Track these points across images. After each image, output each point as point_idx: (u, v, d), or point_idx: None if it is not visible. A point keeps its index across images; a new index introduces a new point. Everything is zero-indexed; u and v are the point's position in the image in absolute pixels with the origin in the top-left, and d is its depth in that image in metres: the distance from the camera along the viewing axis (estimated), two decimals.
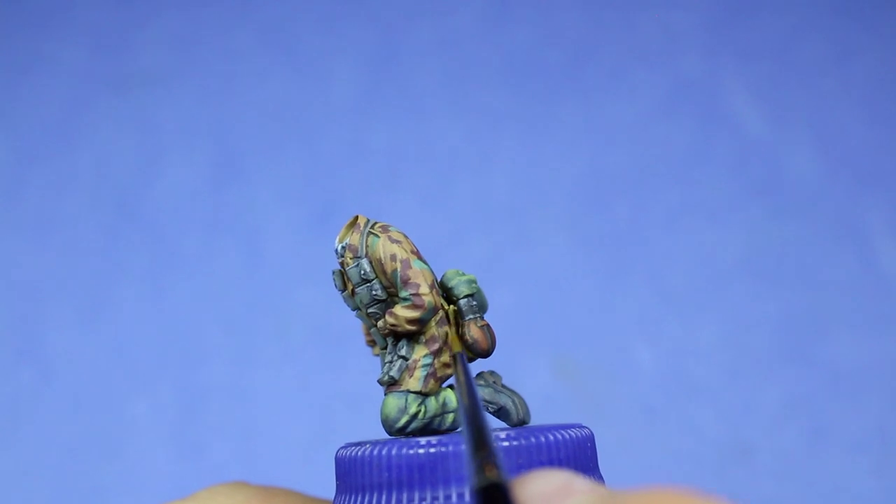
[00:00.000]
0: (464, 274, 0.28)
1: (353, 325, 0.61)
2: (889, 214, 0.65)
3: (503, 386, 0.29)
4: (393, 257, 0.27)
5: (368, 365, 0.52)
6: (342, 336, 0.64)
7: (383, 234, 0.27)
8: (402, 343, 0.27)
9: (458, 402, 0.27)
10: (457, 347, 0.27)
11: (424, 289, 0.27)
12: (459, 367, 0.25)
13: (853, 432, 0.61)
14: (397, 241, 0.27)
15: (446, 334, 0.28)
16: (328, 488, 0.34)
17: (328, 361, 0.64)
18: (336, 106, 0.69)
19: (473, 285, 0.28)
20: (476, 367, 0.29)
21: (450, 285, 0.28)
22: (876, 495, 0.60)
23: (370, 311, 0.28)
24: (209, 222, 0.67)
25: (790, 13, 0.69)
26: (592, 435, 0.27)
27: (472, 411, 0.21)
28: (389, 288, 0.27)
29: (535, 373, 0.63)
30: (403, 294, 0.27)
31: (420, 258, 0.27)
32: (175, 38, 0.70)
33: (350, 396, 0.63)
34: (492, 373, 0.29)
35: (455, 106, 0.69)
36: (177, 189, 0.68)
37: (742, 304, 0.64)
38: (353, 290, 0.28)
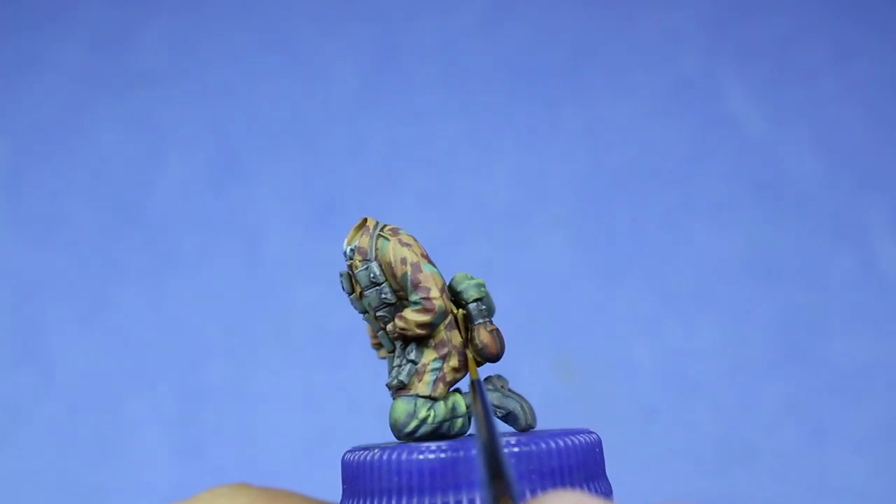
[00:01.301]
0: (472, 277, 0.28)
1: (354, 325, 0.62)
2: (889, 214, 0.65)
3: (510, 390, 0.28)
4: (403, 261, 0.27)
5: (369, 366, 0.52)
6: (342, 336, 0.64)
7: (393, 238, 0.27)
8: (411, 347, 0.27)
9: (474, 429, 0.27)
10: (475, 374, 0.27)
11: (435, 293, 0.27)
12: (477, 396, 0.25)
13: (853, 432, 0.61)
14: (407, 245, 0.27)
15: (461, 344, 0.28)
16: (329, 489, 0.34)
17: (328, 361, 0.64)
18: (336, 106, 0.69)
19: (482, 289, 0.28)
20: (483, 371, 0.29)
21: (458, 289, 0.28)
22: (876, 495, 0.60)
23: (379, 314, 0.28)
24: (209, 222, 0.67)
25: (790, 13, 0.69)
26: (600, 440, 0.27)
27: (489, 441, 0.21)
28: (399, 291, 0.27)
29: (534, 373, 0.63)
30: (414, 298, 0.27)
31: (430, 262, 0.27)
32: (175, 38, 0.70)
33: (350, 396, 0.63)
34: (499, 377, 0.29)
35: (455, 106, 0.69)
36: (177, 189, 0.68)
37: (742, 304, 0.64)
38: (361, 293, 0.28)
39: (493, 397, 0.28)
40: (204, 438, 0.63)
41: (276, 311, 0.65)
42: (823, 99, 0.68)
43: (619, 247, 0.65)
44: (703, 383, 0.63)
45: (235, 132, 0.69)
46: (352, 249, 0.28)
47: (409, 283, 0.27)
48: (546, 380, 0.63)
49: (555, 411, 0.60)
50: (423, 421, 0.27)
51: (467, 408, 0.27)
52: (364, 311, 0.28)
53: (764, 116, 0.67)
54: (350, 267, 0.28)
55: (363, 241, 0.28)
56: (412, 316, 0.27)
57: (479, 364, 0.28)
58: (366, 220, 0.28)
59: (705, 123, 0.67)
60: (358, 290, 0.28)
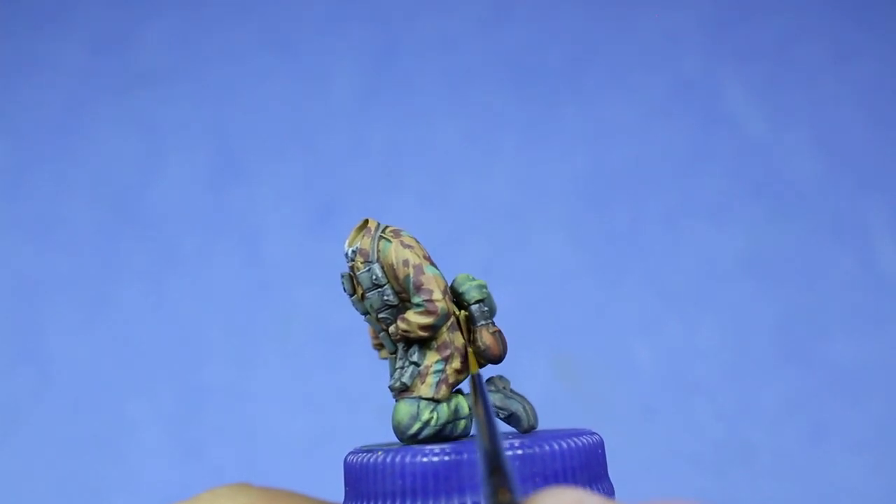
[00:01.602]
0: (474, 279, 0.28)
1: (353, 325, 0.61)
2: (889, 214, 0.65)
3: (512, 391, 0.28)
4: (405, 262, 0.27)
5: (369, 366, 0.52)
6: (342, 336, 0.64)
7: (395, 239, 0.27)
8: (414, 349, 0.27)
9: (474, 425, 0.27)
10: (474, 368, 0.27)
11: (437, 295, 0.26)
12: (476, 391, 0.25)
13: (853, 432, 0.61)
14: (409, 247, 0.27)
15: (463, 345, 0.28)
16: (329, 489, 0.34)
17: (328, 361, 0.64)
18: (336, 106, 0.69)
19: (484, 290, 0.28)
20: (486, 372, 0.29)
21: (460, 290, 0.28)
22: (876, 495, 0.60)
23: (381, 315, 0.28)
24: (209, 222, 0.67)
25: (790, 13, 0.69)
26: (602, 441, 0.27)
27: (488, 433, 0.21)
28: (401, 293, 0.27)
29: (535, 373, 0.63)
30: (416, 300, 0.27)
31: (432, 263, 0.27)
32: (175, 38, 0.70)
33: (350, 397, 0.63)
34: (501, 378, 0.29)
35: (455, 106, 0.69)
36: (177, 189, 0.68)
37: (742, 304, 0.64)
38: (362, 295, 0.28)
39: (495, 398, 0.28)
40: (204, 438, 0.63)
41: (276, 311, 0.65)
42: (823, 99, 0.68)
43: (619, 247, 0.65)
44: (703, 383, 0.63)
45: (235, 132, 0.69)
46: (353, 251, 0.28)
47: (411, 285, 0.27)
48: (546, 380, 0.63)
49: (555, 411, 0.60)
50: (427, 423, 0.26)
51: (470, 409, 0.27)
52: (366, 313, 0.28)
53: (764, 116, 0.67)
54: (351, 268, 0.28)
55: (365, 242, 0.28)
56: (415, 318, 0.27)
57: (481, 366, 0.28)
58: (367, 221, 0.28)
59: (705, 123, 0.67)
60: (360, 291, 0.28)
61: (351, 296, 0.28)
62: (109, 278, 0.66)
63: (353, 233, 0.28)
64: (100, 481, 0.62)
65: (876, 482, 0.60)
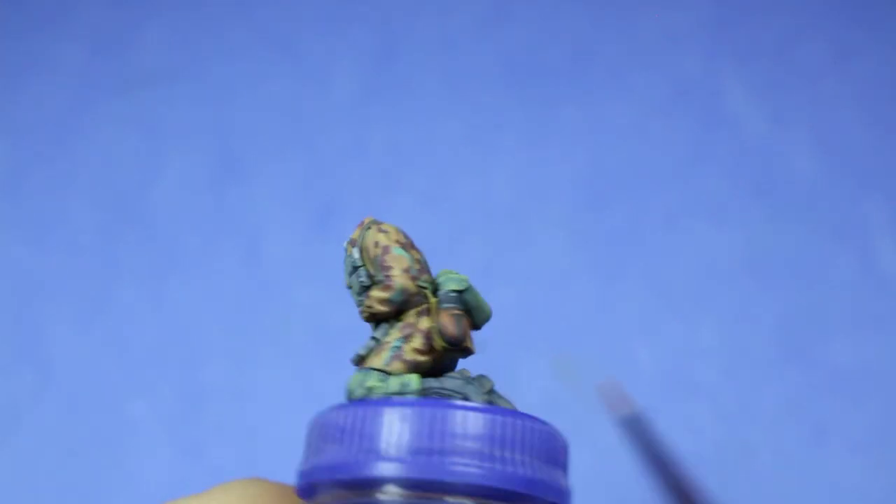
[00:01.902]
0: (457, 274, 0.29)
1: (353, 325, 0.62)
2: (889, 214, 0.65)
3: (492, 390, 0.29)
4: (376, 244, 0.28)
5: None
6: (342, 336, 0.64)
7: (374, 226, 0.29)
8: (382, 327, 0.28)
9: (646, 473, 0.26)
10: (627, 409, 0.27)
11: (396, 272, 0.28)
12: (638, 429, 0.24)
13: (853, 432, 0.61)
14: (385, 232, 0.29)
15: (428, 328, 0.28)
16: None
17: (328, 361, 0.64)
18: (336, 106, 0.69)
19: (464, 283, 0.29)
20: (475, 371, 0.29)
21: (439, 281, 0.29)
22: (876, 495, 0.60)
23: (360, 298, 0.29)
24: (209, 222, 0.67)
25: (790, 13, 0.69)
26: (563, 441, 0.27)
27: (665, 468, 0.20)
28: (374, 276, 0.29)
29: (535, 373, 0.63)
30: (378, 277, 0.28)
31: (405, 248, 0.28)
32: (175, 38, 0.70)
33: None
34: (482, 376, 0.29)
35: (455, 106, 0.69)
36: (177, 189, 0.68)
37: (742, 304, 0.64)
38: None
39: (454, 384, 0.28)
40: (204, 438, 0.63)
41: (275, 311, 0.65)
42: (823, 99, 0.67)
43: (619, 247, 0.65)
44: (703, 383, 0.63)
45: (235, 132, 0.69)
46: (348, 243, 0.29)
47: (378, 264, 0.28)
48: (546, 380, 0.63)
49: (555, 411, 0.60)
50: (370, 390, 0.27)
51: (423, 388, 0.28)
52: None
53: (764, 117, 0.67)
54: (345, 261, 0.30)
55: (356, 233, 0.29)
56: (375, 293, 0.28)
57: (445, 350, 0.28)
58: (367, 218, 0.30)
59: (705, 123, 0.67)
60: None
61: (349, 288, 0.30)
62: (109, 278, 0.66)
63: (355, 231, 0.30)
64: (100, 481, 0.62)
65: (876, 482, 0.60)
